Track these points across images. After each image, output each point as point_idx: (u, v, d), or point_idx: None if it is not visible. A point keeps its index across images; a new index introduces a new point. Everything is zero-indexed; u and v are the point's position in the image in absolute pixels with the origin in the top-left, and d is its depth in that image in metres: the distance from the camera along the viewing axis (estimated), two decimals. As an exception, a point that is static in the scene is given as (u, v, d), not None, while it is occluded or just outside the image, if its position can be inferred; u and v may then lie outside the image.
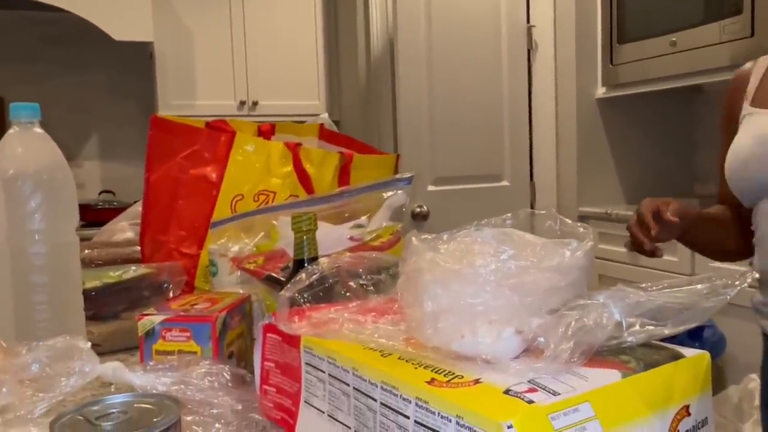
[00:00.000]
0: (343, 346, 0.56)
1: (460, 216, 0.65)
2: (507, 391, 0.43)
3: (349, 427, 0.55)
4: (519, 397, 0.42)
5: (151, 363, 0.67)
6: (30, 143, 0.81)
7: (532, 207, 3.00)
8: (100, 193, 3.56)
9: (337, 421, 0.56)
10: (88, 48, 3.52)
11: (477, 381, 0.45)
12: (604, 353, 0.49)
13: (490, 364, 0.48)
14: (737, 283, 0.47)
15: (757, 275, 0.46)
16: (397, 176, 1.09)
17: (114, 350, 0.95)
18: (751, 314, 1.17)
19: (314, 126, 1.43)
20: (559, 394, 0.43)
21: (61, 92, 3.49)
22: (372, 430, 0.51)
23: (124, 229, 1.54)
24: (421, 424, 0.46)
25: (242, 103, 3.54)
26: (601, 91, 2.89)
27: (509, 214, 0.60)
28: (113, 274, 1.06)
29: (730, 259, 1.28)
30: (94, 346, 0.64)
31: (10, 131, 0.80)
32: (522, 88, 3.01)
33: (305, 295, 0.66)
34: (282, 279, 0.81)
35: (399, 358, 0.52)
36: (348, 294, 0.67)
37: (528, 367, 0.46)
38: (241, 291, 0.89)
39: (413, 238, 0.56)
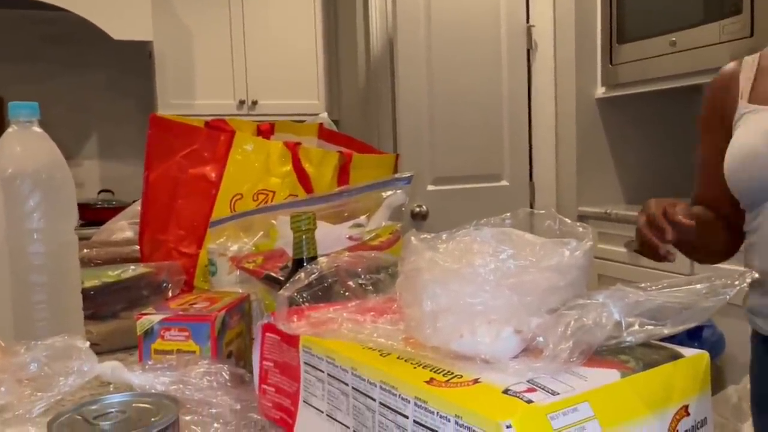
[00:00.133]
0: (342, 346, 0.56)
1: (459, 216, 0.65)
2: (506, 391, 0.43)
3: (348, 427, 0.54)
4: (518, 397, 0.42)
5: (149, 362, 0.67)
6: (29, 142, 0.81)
7: (531, 207, 3.00)
8: (99, 193, 3.56)
9: (336, 420, 0.56)
10: (87, 47, 3.52)
11: (476, 381, 0.45)
12: (603, 353, 0.48)
13: (489, 364, 0.47)
14: (736, 283, 0.47)
15: (756, 275, 0.46)
16: (397, 176, 1.09)
17: (113, 350, 0.94)
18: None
19: (313, 125, 1.43)
20: (558, 393, 0.43)
21: (60, 91, 3.49)
22: (371, 429, 0.51)
23: (123, 228, 1.54)
24: (420, 424, 0.46)
25: (241, 102, 3.54)
26: (600, 91, 2.89)
27: (508, 214, 0.60)
28: (112, 274, 1.06)
29: (713, 260, 1.25)
30: (92, 345, 0.64)
31: (9, 130, 0.80)
32: (522, 88, 3.01)
33: (304, 295, 0.66)
34: (281, 278, 0.81)
35: (398, 358, 0.52)
36: (347, 293, 0.67)
37: (527, 366, 0.46)
38: (240, 290, 0.89)
39: (412, 238, 0.56)
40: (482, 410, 0.42)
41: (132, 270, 1.08)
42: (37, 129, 0.81)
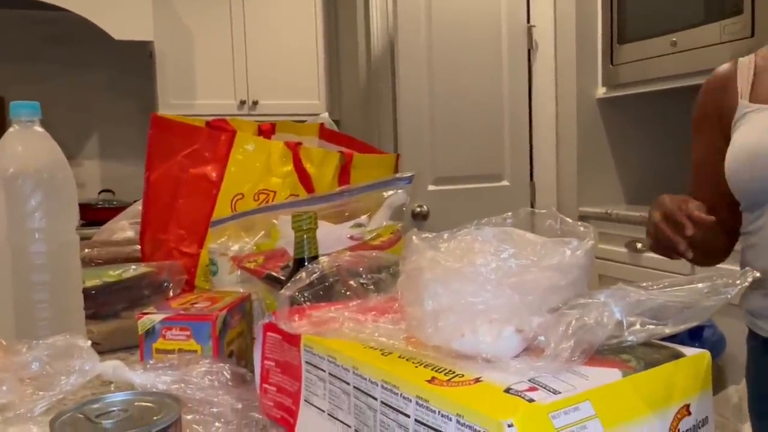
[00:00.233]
0: (344, 345, 0.56)
1: (460, 216, 0.65)
2: (507, 390, 0.43)
3: (350, 426, 0.55)
4: (519, 396, 0.42)
5: (151, 362, 0.67)
6: (30, 142, 0.81)
7: (532, 207, 3.00)
8: (99, 193, 3.56)
9: (338, 420, 0.56)
10: (88, 47, 3.52)
11: (477, 380, 0.45)
12: (604, 352, 0.49)
13: (491, 363, 0.48)
14: (738, 282, 0.47)
15: (758, 274, 0.46)
16: (398, 175, 1.09)
17: (114, 349, 0.94)
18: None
19: (314, 125, 1.43)
20: (560, 392, 0.43)
21: (61, 91, 3.49)
22: (372, 429, 0.51)
23: (124, 228, 1.54)
24: (422, 423, 0.46)
25: (242, 102, 3.54)
26: (601, 91, 2.89)
27: (510, 213, 0.60)
28: (113, 273, 1.06)
29: (709, 262, 1.23)
30: (93, 344, 0.64)
31: (11, 130, 0.80)
32: (522, 88, 3.01)
33: (305, 294, 0.66)
34: (282, 278, 0.81)
35: (399, 357, 0.52)
36: (348, 293, 0.67)
37: (528, 365, 0.46)
38: (241, 290, 0.89)
39: (414, 237, 0.56)
40: (484, 409, 0.42)
41: (133, 270, 1.08)
42: (38, 128, 0.81)
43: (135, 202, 1.67)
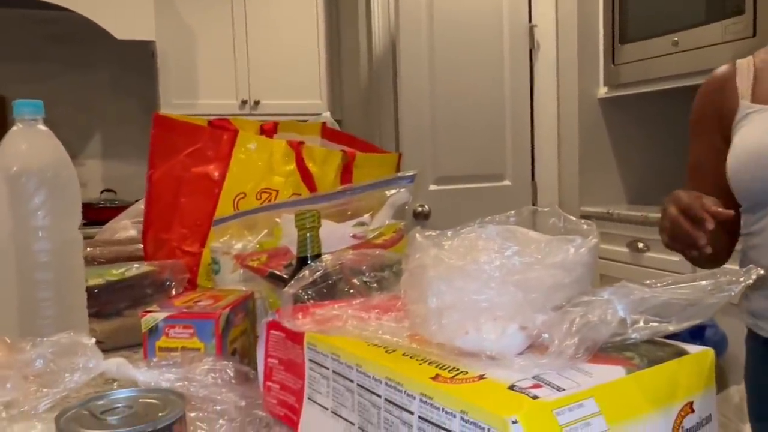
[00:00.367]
0: (347, 343, 0.56)
1: (461, 215, 0.65)
2: (512, 387, 0.43)
3: (353, 424, 0.55)
4: (524, 393, 0.42)
5: (154, 359, 0.67)
6: (34, 140, 0.81)
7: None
8: (101, 192, 3.56)
9: (341, 417, 0.56)
10: (90, 47, 3.52)
11: (481, 377, 0.45)
12: (608, 349, 0.49)
13: (495, 360, 0.48)
14: (742, 279, 0.47)
15: (762, 271, 0.46)
16: (400, 174, 1.09)
17: (116, 348, 0.95)
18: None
19: (317, 124, 1.43)
20: (564, 389, 0.43)
21: (63, 91, 3.49)
22: (376, 426, 0.51)
23: (126, 227, 1.54)
24: (426, 420, 0.46)
25: (244, 102, 3.54)
26: (603, 91, 2.89)
27: (513, 212, 0.60)
28: (116, 272, 1.06)
29: (710, 264, 1.19)
30: (96, 343, 0.64)
31: (14, 128, 0.80)
32: (524, 87, 3.01)
33: (309, 292, 0.66)
34: (285, 276, 0.82)
35: (403, 355, 0.52)
36: (351, 291, 0.67)
37: (532, 363, 0.46)
38: (243, 289, 0.89)
39: (417, 235, 0.56)
40: (488, 406, 0.42)
41: (135, 268, 1.08)
42: (42, 127, 0.81)
43: (137, 201, 1.68)
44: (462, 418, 0.43)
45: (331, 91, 3.74)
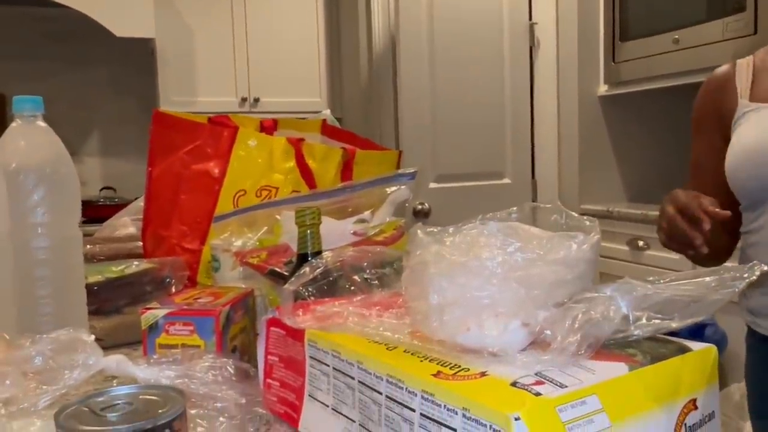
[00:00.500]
0: (348, 340, 0.56)
1: (461, 213, 0.64)
2: (514, 384, 0.43)
3: (354, 421, 0.54)
4: (526, 390, 0.42)
5: (154, 357, 0.67)
6: (33, 136, 0.81)
7: (534, 204, 2.99)
8: (101, 190, 3.56)
9: (342, 414, 0.56)
10: (89, 44, 3.52)
11: (483, 374, 0.45)
12: (610, 346, 0.48)
13: (497, 357, 0.47)
14: (745, 275, 0.47)
15: (765, 267, 0.46)
16: (400, 171, 1.09)
17: (116, 345, 0.94)
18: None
19: (317, 122, 1.42)
20: (567, 386, 0.42)
21: (62, 88, 3.48)
22: (377, 423, 0.51)
23: (126, 224, 1.54)
24: (427, 417, 0.45)
25: (243, 99, 3.54)
26: (603, 89, 2.88)
27: (515, 208, 0.60)
28: (115, 269, 1.06)
29: (711, 262, 1.16)
30: (96, 340, 0.63)
31: (13, 124, 0.80)
32: (524, 85, 3.00)
33: (309, 289, 0.66)
34: (285, 273, 0.81)
35: (404, 351, 0.52)
36: (352, 288, 0.67)
37: (535, 359, 0.46)
38: (243, 286, 0.89)
39: (419, 231, 0.56)
40: (490, 403, 0.41)
41: (135, 266, 1.08)
42: (41, 123, 0.81)
43: (137, 198, 1.67)
44: (464, 415, 0.42)
45: (331, 89, 3.73)
